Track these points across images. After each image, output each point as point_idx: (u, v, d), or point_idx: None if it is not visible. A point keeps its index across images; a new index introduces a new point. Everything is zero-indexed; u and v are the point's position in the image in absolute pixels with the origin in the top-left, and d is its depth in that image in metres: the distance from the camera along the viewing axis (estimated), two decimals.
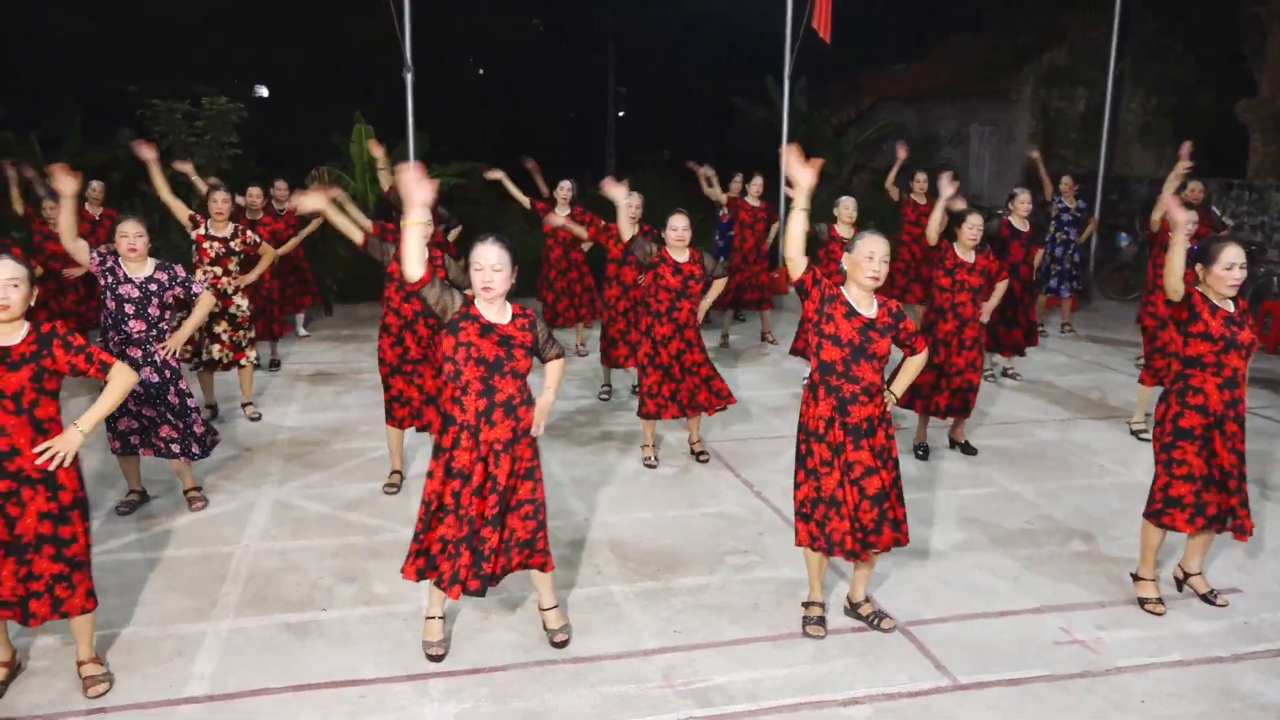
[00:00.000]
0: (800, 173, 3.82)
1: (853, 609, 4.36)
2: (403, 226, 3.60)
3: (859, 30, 15.90)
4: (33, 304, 3.53)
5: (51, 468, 3.45)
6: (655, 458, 6.40)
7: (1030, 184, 10.69)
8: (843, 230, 7.95)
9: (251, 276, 7.10)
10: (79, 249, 5.06)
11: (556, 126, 24.00)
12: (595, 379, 8.45)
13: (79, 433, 3.49)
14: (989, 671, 3.96)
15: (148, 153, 6.50)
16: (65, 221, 4.90)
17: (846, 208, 8.05)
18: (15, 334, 3.45)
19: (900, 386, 4.24)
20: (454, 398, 3.80)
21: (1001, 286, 6.72)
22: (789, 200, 4.04)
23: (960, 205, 7.12)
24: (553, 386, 4.00)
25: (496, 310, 3.81)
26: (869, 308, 4.02)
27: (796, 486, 4.15)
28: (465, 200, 14.51)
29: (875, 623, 4.26)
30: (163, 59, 18.05)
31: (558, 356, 4.02)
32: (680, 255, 6.06)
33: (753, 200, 9.96)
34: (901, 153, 10.00)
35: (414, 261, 3.60)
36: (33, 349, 3.45)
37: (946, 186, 6.90)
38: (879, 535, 4.01)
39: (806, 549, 4.17)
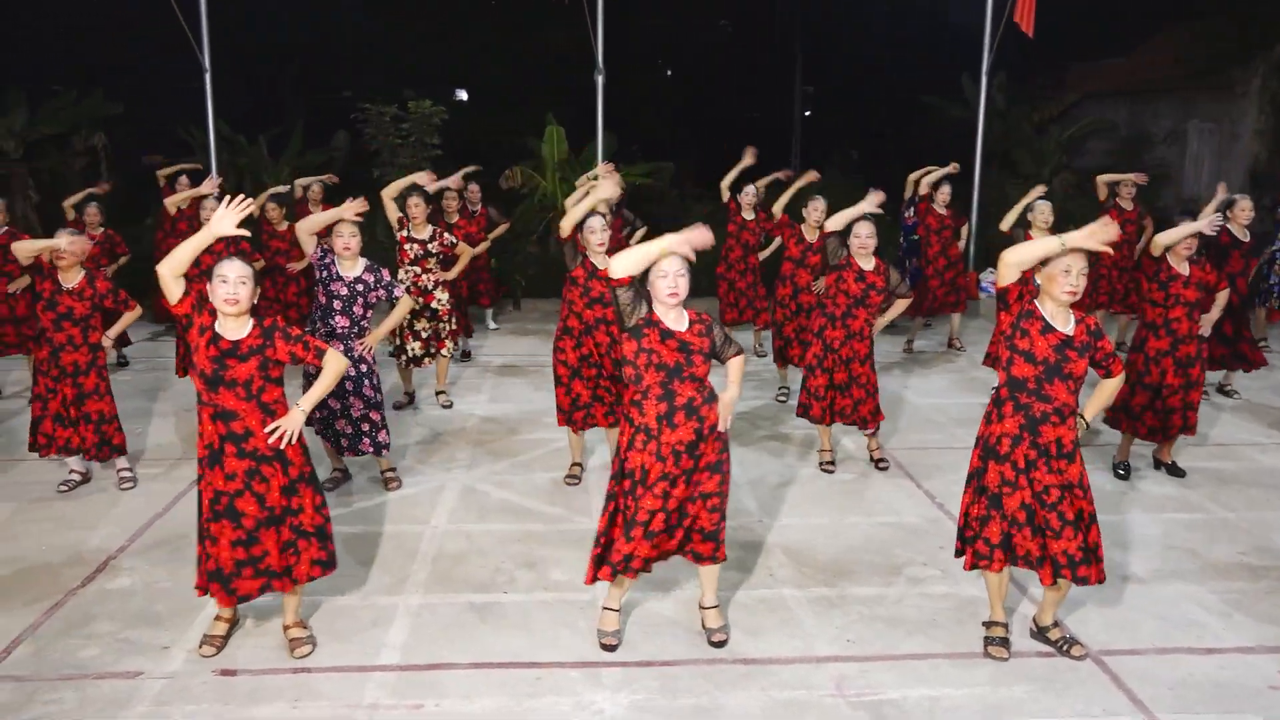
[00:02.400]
0: (1102, 238, 3.66)
1: (1040, 632, 4.14)
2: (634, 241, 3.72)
3: (1065, 22, 15.01)
4: (256, 301, 3.84)
5: (281, 445, 3.76)
6: (832, 463, 6.29)
7: (1257, 187, 9.78)
8: (1037, 236, 7.54)
9: (452, 273, 7.47)
10: (308, 243, 5.53)
11: (742, 127, 23.98)
12: (773, 381, 8.39)
13: (301, 412, 3.79)
14: (1192, 712, 3.67)
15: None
16: (317, 219, 5.60)
17: (1042, 212, 7.58)
18: (243, 328, 3.77)
19: (1093, 412, 3.98)
20: (634, 401, 3.88)
21: (1221, 298, 6.19)
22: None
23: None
24: (735, 381, 4.00)
25: (675, 317, 3.87)
26: (1066, 324, 3.80)
27: (966, 502, 3.99)
28: (650, 200, 14.72)
29: (1065, 649, 4.03)
30: (376, 66, 19.26)
31: (737, 354, 4.03)
32: (865, 263, 5.93)
33: (940, 208, 9.59)
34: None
35: (629, 262, 3.74)
36: (259, 341, 3.76)
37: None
38: (1086, 568, 3.78)
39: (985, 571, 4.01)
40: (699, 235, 3.77)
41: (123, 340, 8.78)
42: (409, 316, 7.25)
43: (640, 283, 3.83)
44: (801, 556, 4.99)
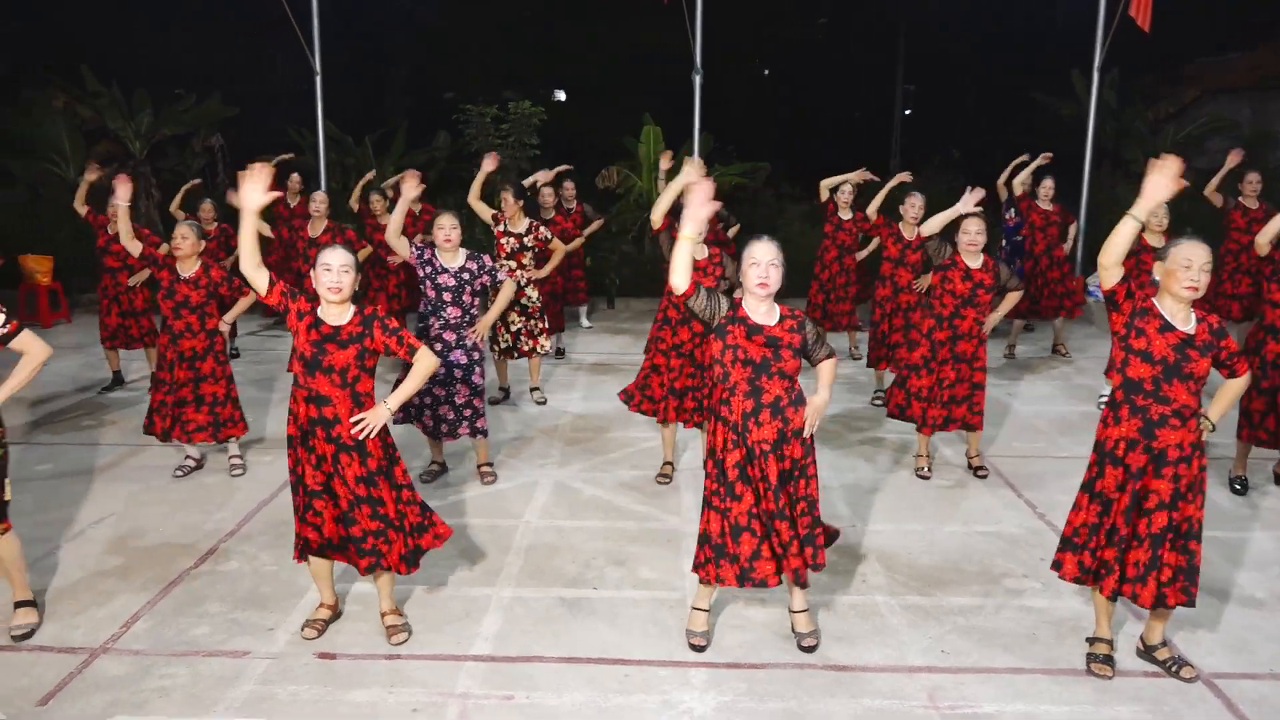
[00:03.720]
0: (1164, 184, 3.51)
1: (1147, 651, 3.97)
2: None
3: (1184, 16, 14.37)
4: (357, 289, 3.96)
5: (361, 438, 3.85)
6: (929, 469, 6.16)
7: None
8: (1152, 239, 7.25)
9: (545, 270, 7.57)
10: (401, 245, 5.63)
11: (840, 126, 23.65)
12: (867, 384, 8.26)
13: (387, 409, 3.88)
14: None
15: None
16: (395, 220, 5.58)
17: (1155, 214, 7.30)
18: (345, 315, 3.89)
19: (1217, 413, 3.80)
20: (722, 399, 3.86)
21: None
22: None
23: None
24: (826, 386, 3.95)
25: (765, 311, 3.83)
26: (1186, 322, 3.64)
27: (1075, 509, 3.86)
28: (744, 200, 14.66)
29: (1174, 670, 3.86)
30: (478, 68, 19.65)
31: (828, 357, 3.97)
32: (973, 260, 5.79)
33: (1044, 204, 9.30)
34: (1235, 159, 8.90)
35: (680, 273, 3.67)
36: (359, 330, 3.87)
37: None
38: (1170, 588, 3.61)
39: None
40: (700, 191, 3.65)
41: (231, 332, 9.16)
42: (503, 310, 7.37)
43: (726, 275, 3.79)
44: (895, 563, 4.90)
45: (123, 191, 5.74)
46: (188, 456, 6.19)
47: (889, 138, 23.72)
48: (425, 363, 3.99)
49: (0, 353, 4.01)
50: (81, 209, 7.99)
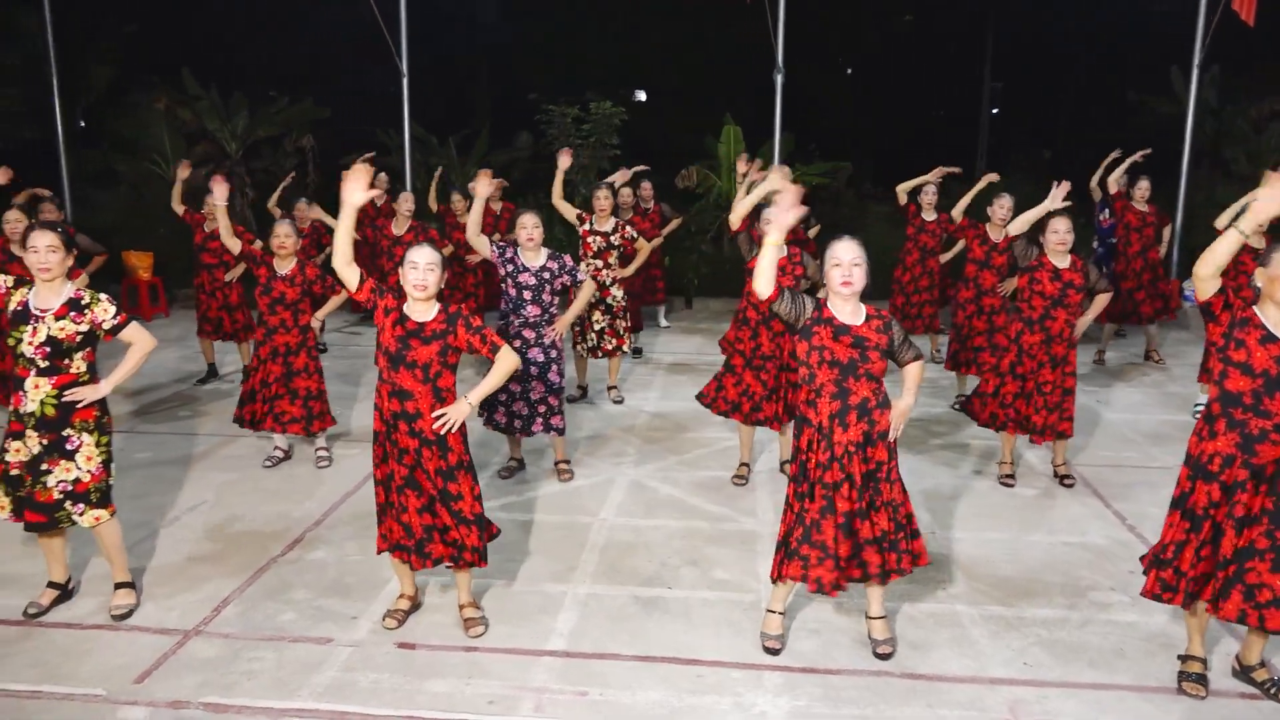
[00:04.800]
0: (1277, 200, 3.34)
1: (1243, 672, 3.81)
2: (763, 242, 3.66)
3: None
4: (442, 287, 4.03)
5: (443, 432, 3.93)
6: (1013, 476, 6.01)
7: None
8: (1253, 239, 6.94)
9: (630, 270, 7.61)
10: (481, 243, 5.72)
11: (925, 125, 23.21)
12: (949, 387, 8.10)
13: (468, 404, 3.94)
14: None
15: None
16: (473, 219, 5.65)
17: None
18: (429, 312, 3.97)
19: None
20: (808, 400, 3.83)
21: None
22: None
23: None
24: (912, 389, 3.90)
25: (850, 311, 3.78)
26: None
27: (1167, 527, 3.72)
28: (826, 200, 14.51)
29: (1272, 692, 3.70)
30: (560, 69, 19.84)
31: (915, 359, 3.91)
32: (1061, 260, 5.63)
33: (1140, 204, 8.99)
34: None
35: (764, 278, 3.65)
36: (442, 326, 3.95)
37: None
38: (1269, 610, 3.45)
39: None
40: (787, 196, 3.60)
41: (320, 327, 9.43)
42: (587, 308, 7.44)
43: (808, 274, 3.76)
44: (976, 572, 4.79)
45: (220, 191, 5.95)
46: (276, 447, 6.39)
47: (975, 137, 23.20)
48: (506, 362, 4.04)
49: (106, 344, 4.20)
50: (179, 208, 8.30)
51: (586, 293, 5.93)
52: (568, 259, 5.83)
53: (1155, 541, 5.05)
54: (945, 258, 8.72)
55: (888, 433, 3.80)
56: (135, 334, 4.18)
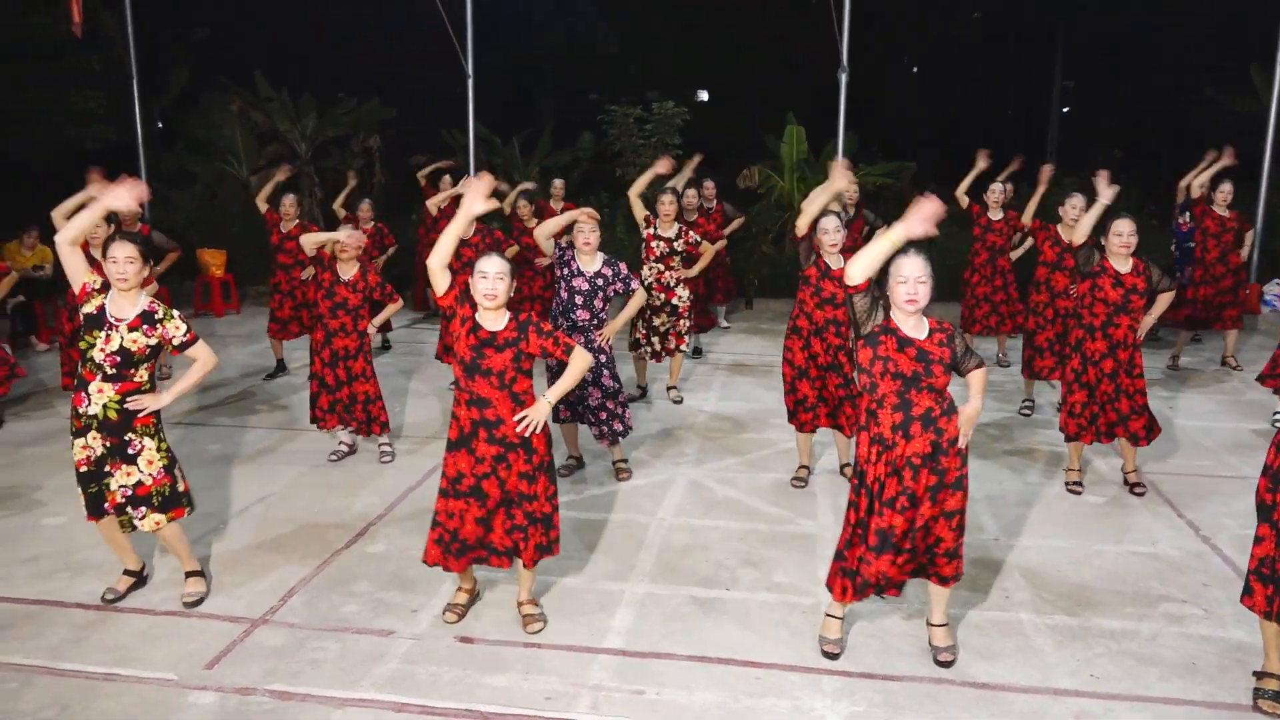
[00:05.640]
0: None
1: None
2: (880, 236, 3.64)
3: None
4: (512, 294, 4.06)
5: (527, 434, 3.97)
6: (1080, 483, 5.87)
7: None
8: None
9: (694, 271, 7.59)
10: (549, 245, 5.76)
11: (992, 124, 22.78)
12: (1016, 392, 7.94)
13: (547, 404, 3.99)
14: None
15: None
16: (550, 224, 5.72)
17: None
18: (501, 320, 4.01)
19: None
20: (869, 410, 3.79)
21: None
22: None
23: None
24: (978, 394, 3.84)
25: (914, 325, 3.74)
26: None
27: (1257, 541, 3.59)
28: (891, 201, 14.32)
29: None
30: (622, 69, 19.89)
31: (978, 367, 3.85)
32: (1123, 265, 5.48)
33: (1220, 209, 8.70)
34: None
35: (862, 266, 3.63)
36: (514, 334, 3.98)
37: None
38: None
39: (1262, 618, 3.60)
40: (928, 207, 3.53)
41: (386, 326, 9.59)
42: (649, 312, 7.45)
43: (877, 286, 3.73)
44: (1042, 580, 4.69)
45: (354, 240, 6.12)
46: (341, 442, 6.51)
47: (1045, 136, 22.69)
48: (581, 360, 4.08)
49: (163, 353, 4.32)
50: (263, 205, 8.50)
51: (637, 302, 5.90)
52: (623, 266, 5.84)
53: (1231, 553, 4.92)
54: (1016, 255, 8.53)
55: (957, 439, 3.74)
56: (201, 351, 4.31)
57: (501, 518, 4.04)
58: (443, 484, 4.07)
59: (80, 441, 4.18)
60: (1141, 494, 5.78)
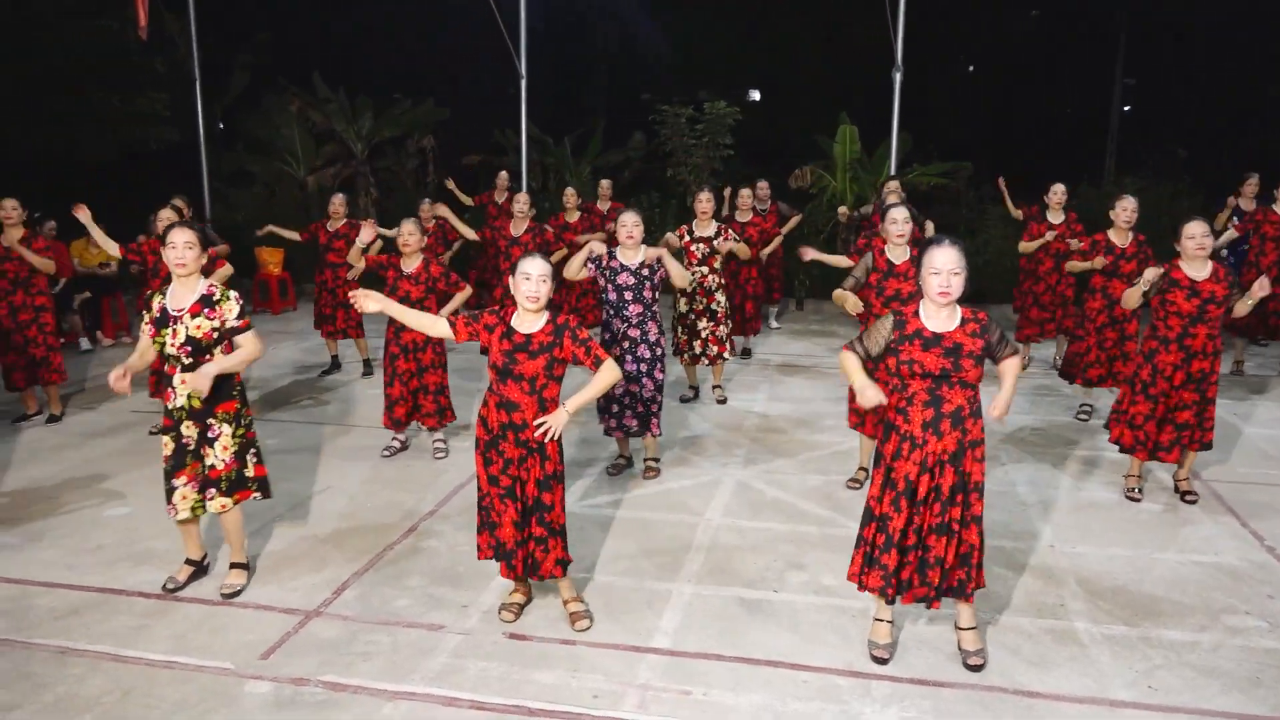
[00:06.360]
0: None
1: None
2: None
3: None
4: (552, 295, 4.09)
5: (545, 440, 3.97)
6: (1141, 490, 5.73)
7: None
8: None
9: (769, 247, 7.41)
10: (581, 275, 5.84)
11: (1050, 123, 22.35)
12: (1073, 396, 7.79)
13: (566, 413, 3.96)
14: None
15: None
16: (572, 266, 5.80)
17: None
18: (537, 322, 4.02)
19: None
20: (898, 408, 3.75)
21: None
22: None
23: None
24: (1011, 378, 3.79)
25: (945, 316, 3.68)
26: None
27: None
28: (945, 201, 14.14)
29: None
30: (674, 69, 19.88)
31: (1012, 355, 3.79)
32: (1198, 271, 5.27)
33: None
34: None
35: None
36: (549, 339, 4.00)
37: None
38: None
39: None
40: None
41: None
42: (692, 317, 7.43)
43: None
44: (1097, 588, 4.60)
45: (367, 234, 6.36)
46: (394, 438, 6.60)
47: (1105, 136, 22.21)
48: (608, 374, 4.04)
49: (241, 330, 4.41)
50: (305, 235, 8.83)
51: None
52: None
53: None
54: (1080, 266, 8.25)
55: (980, 443, 3.70)
56: (249, 339, 4.30)
57: (533, 521, 4.05)
58: (481, 484, 4.12)
59: (170, 435, 4.31)
60: (1193, 501, 5.64)
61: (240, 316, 4.29)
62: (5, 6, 12.82)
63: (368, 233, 6.30)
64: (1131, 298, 5.49)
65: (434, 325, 4.16)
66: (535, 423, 3.94)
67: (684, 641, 4.10)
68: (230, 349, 4.30)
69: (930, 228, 8.90)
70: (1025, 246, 8.39)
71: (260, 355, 4.41)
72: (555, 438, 3.99)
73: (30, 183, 9.55)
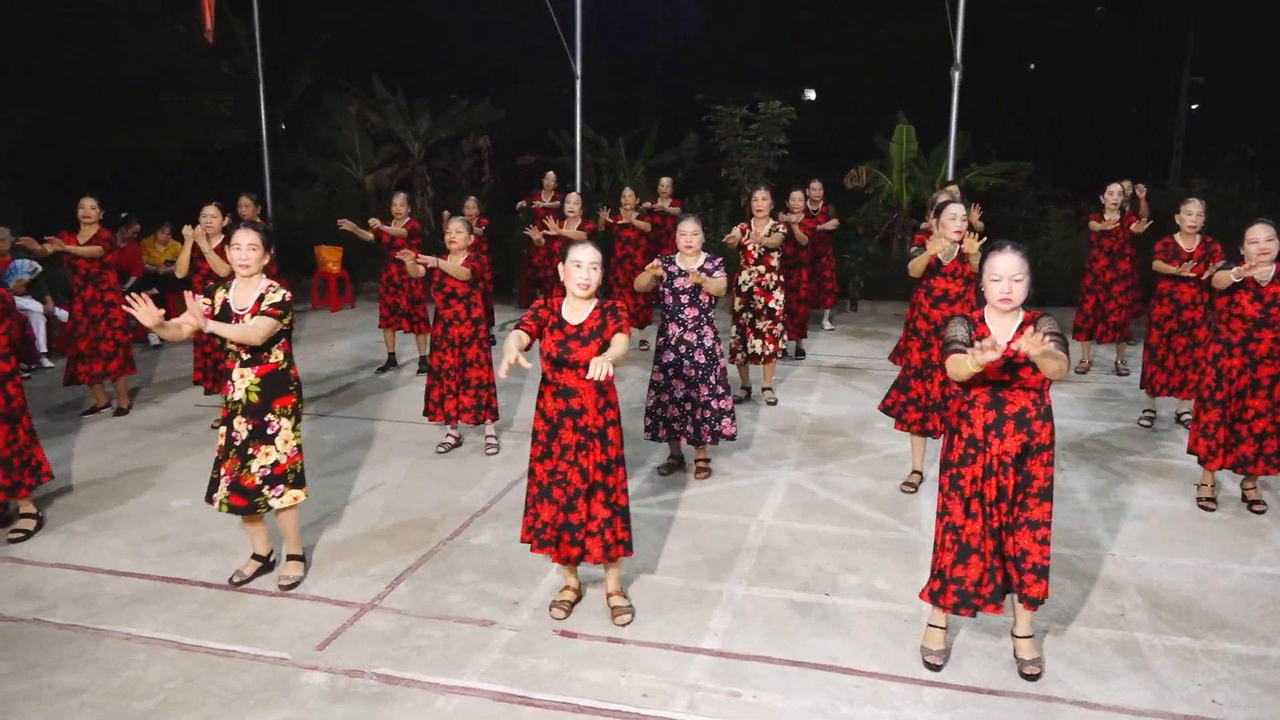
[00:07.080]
0: None
1: None
2: None
3: None
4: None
5: (600, 378, 3.65)
6: (1214, 499, 5.58)
7: None
8: None
9: (778, 239, 7.35)
10: (654, 284, 5.83)
11: (1114, 124, 21.85)
12: (1136, 401, 7.61)
13: (608, 362, 3.71)
14: None
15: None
16: (641, 285, 5.73)
17: None
18: (586, 309, 4.04)
19: None
20: (960, 411, 3.70)
21: None
22: None
23: None
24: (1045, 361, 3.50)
25: (1008, 322, 3.63)
26: None
27: None
28: (1004, 202, 13.90)
29: None
30: (728, 69, 19.83)
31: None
32: (1263, 275, 5.14)
33: None
34: None
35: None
36: (598, 323, 4.02)
37: None
38: None
39: None
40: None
41: (489, 321, 9.81)
42: (750, 315, 7.40)
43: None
44: (1160, 599, 4.49)
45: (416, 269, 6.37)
46: (449, 434, 6.67)
47: (1171, 135, 21.66)
48: (619, 344, 3.94)
49: (300, 331, 4.48)
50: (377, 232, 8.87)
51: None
52: (719, 259, 5.82)
53: None
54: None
55: (1048, 447, 3.63)
56: (263, 321, 4.21)
57: (581, 506, 4.04)
58: (533, 472, 4.14)
59: (224, 428, 4.41)
60: (1261, 512, 5.47)
61: (279, 306, 4.25)
62: (85, 18, 13.22)
63: (416, 268, 6.35)
64: (1223, 279, 5.29)
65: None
66: (590, 371, 3.67)
67: (734, 643, 4.09)
68: (288, 346, 4.41)
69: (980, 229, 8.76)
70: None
71: (258, 342, 4.24)
72: (602, 375, 3.65)
73: (106, 184, 9.83)
